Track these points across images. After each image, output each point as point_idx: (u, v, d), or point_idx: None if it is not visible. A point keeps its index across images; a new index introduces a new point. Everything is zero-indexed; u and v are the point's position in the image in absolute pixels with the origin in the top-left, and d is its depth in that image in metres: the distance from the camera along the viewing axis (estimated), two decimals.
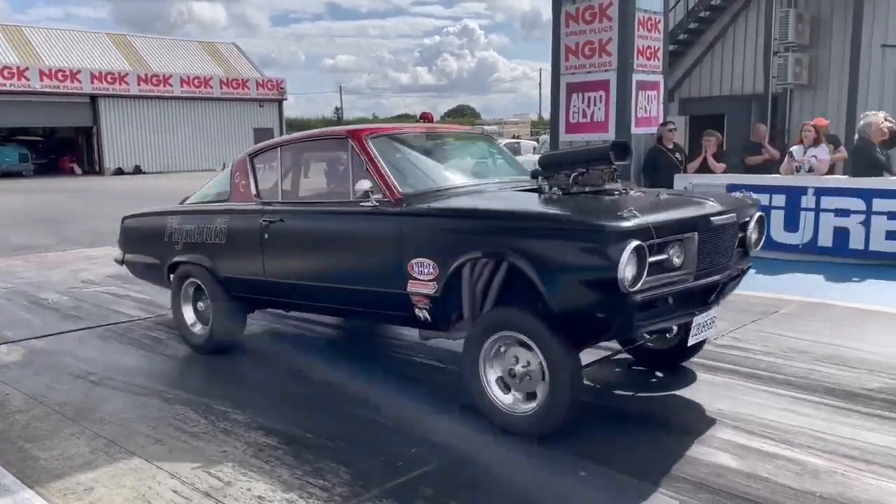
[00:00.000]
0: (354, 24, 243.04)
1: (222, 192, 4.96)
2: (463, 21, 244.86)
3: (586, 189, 3.72)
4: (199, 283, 4.87)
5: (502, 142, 21.23)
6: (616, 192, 3.69)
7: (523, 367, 3.33)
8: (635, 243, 2.94)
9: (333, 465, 3.10)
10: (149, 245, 5.29)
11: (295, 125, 46.80)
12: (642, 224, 3.02)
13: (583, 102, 9.22)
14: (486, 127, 44.15)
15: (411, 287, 3.70)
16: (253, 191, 4.68)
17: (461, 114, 75.03)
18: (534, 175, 4.03)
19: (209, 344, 4.85)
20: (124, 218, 5.64)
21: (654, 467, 3.05)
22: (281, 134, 37.01)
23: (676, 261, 3.20)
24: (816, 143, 8.34)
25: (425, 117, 4.95)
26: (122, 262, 5.69)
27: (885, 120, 7.54)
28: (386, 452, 3.22)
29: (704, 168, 8.78)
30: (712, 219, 3.36)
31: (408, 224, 3.71)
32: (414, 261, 3.67)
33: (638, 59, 8.88)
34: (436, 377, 4.36)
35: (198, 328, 4.99)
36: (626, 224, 3.00)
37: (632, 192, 3.78)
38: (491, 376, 3.44)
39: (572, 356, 3.21)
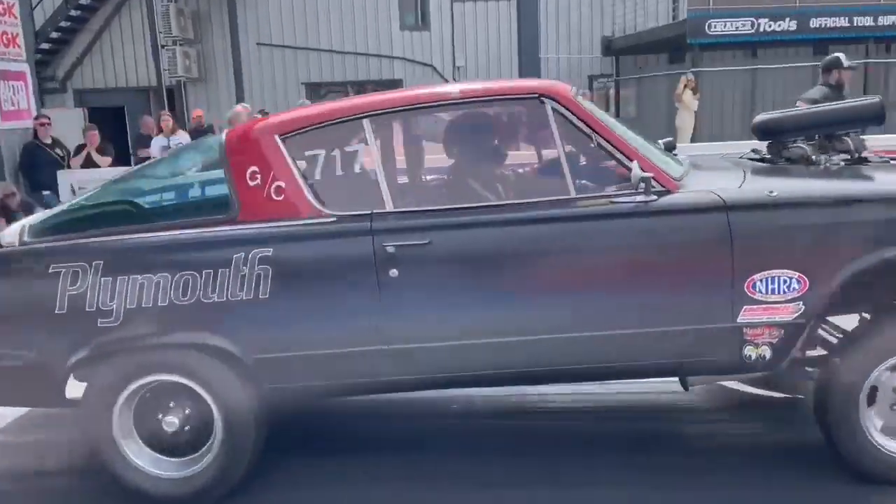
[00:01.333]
0: None
1: (191, 204, 3.00)
2: None
3: (855, 157, 3.08)
4: (185, 382, 2.65)
5: None
6: (888, 159, 3.14)
7: None
8: None
9: None
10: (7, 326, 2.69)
11: None
12: None
13: None
14: None
15: (748, 315, 2.58)
16: (308, 196, 2.66)
17: None
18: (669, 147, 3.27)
19: (211, 492, 2.69)
20: None
21: None
22: None
23: None
24: (175, 130, 9.17)
25: None
26: None
27: (244, 110, 8.52)
28: None
29: (90, 163, 8.59)
30: None
31: (748, 222, 2.54)
32: (759, 276, 2.54)
33: None
34: None
35: (163, 467, 2.70)
36: None
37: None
38: (872, 421, 2.62)
39: None
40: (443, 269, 2.57)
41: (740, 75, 13.41)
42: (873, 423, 2.61)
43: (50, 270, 2.59)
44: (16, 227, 2.93)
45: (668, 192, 2.58)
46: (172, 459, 2.71)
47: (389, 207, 2.64)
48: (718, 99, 13.32)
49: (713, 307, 2.57)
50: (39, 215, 3.16)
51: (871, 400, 2.59)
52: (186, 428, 2.69)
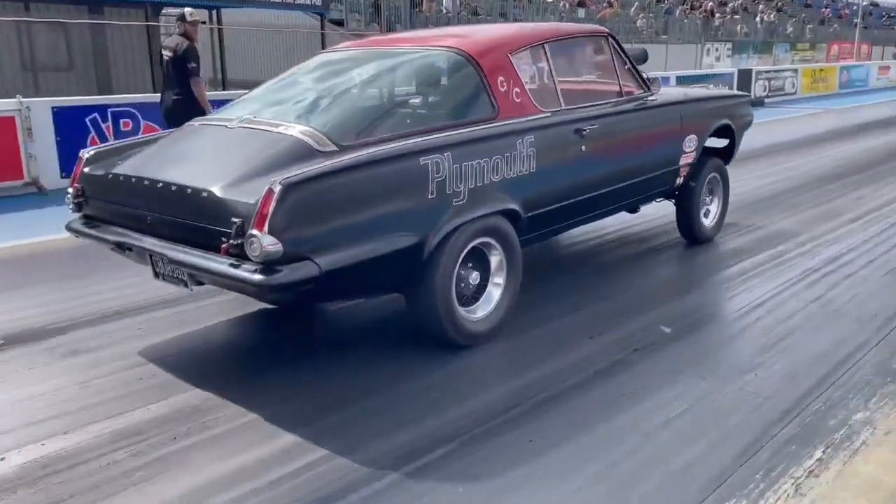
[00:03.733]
0: None
1: (456, 106, 3.70)
2: None
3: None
4: (492, 243, 3.53)
5: None
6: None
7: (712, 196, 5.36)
8: None
9: None
10: (391, 216, 3.07)
11: None
12: None
13: None
14: None
15: (682, 160, 4.85)
16: (532, 99, 3.79)
17: None
18: None
19: (489, 332, 3.55)
20: (291, 185, 2.72)
21: None
22: None
23: None
24: None
25: None
26: (304, 284, 2.78)
27: None
28: None
29: None
30: None
31: (684, 110, 4.85)
32: (686, 138, 4.83)
33: None
34: None
35: (473, 314, 3.53)
36: None
37: None
38: (704, 206, 5.24)
39: None
40: (600, 143, 4.08)
41: None
42: (704, 205, 5.32)
43: (421, 162, 3.13)
44: (295, 132, 3.15)
45: (649, 94, 4.65)
46: (473, 306, 3.52)
47: (564, 106, 3.96)
48: None
49: (673, 156, 4.80)
50: (326, 116, 3.47)
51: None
52: (479, 279, 3.53)
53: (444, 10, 18.87)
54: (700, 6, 27.87)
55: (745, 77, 18.08)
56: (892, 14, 45.83)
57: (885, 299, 4.12)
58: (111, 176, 3.41)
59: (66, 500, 2.34)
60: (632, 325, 3.78)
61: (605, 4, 23.69)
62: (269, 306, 3.92)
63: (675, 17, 26.18)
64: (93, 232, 3.46)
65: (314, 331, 3.92)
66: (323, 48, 13.60)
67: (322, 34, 14.96)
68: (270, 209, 2.65)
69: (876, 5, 44.78)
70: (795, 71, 20.42)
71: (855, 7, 33.67)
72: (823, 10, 37.39)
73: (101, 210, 3.49)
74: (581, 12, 22.24)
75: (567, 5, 22.27)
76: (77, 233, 3.55)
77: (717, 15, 27.96)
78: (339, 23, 16.81)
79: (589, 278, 4.69)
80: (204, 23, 7.69)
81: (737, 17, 29.09)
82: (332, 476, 2.45)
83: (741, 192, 6.61)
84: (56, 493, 2.39)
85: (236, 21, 15.03)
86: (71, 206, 3.55)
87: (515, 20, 19.91)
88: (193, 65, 6.35)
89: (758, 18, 29.75)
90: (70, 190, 3.54)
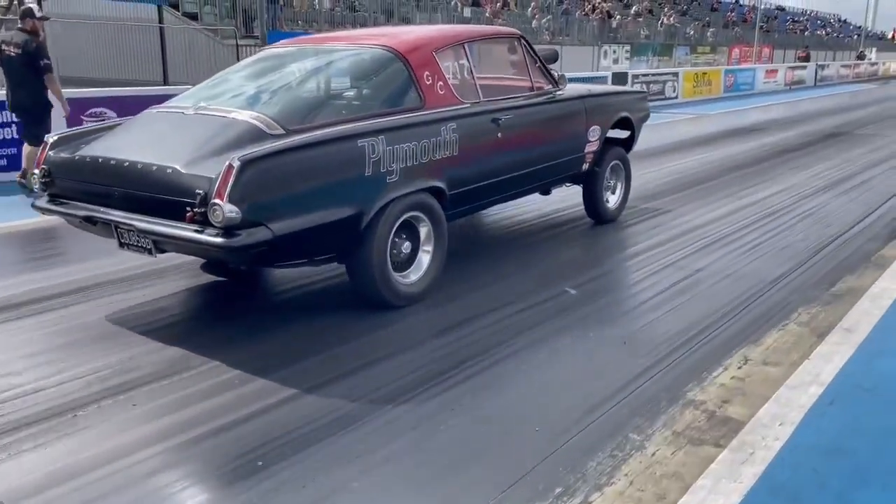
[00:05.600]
0: None
1: (388, 97, 4.25)
2: None
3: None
4: (421, 216, 4.16)
5: None
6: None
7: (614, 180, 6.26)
8: None
9: None
10: (333, 190, 3.68)
11: None
12: None
13: None
14: None
15: (587, 148, 5.55)
16: (454, 91, 4.45)
17: None
18: None
19: (420, 294, 4.19)
20: (247, 161, 3.30)
21: None
22: None
23: None
24: None
25: None
26: (259, 246, 3.36)
27: None
28: None
29: None
30: None
31: (588, 103, 5.55)
32: (591, 128, 5.51)
33: None
34: None
35: (406, 279, 4.16)
36: None
37: None
38: (608, 190, 6.13)
39: None
40: (514, 131, 4.79)
41: None
42: (608, 189, 6.17)
43: (359, 144, 3.74)
44: (247, 117, 3.68)
45: (557, 89, 5.43)
46: (406, 271, 4.16)
47: (482, 98, 4.68)
48: None
49: (579, 144, 5.59)
50: (273, 105, 4.00)
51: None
52: (411, 248, 4.17)
53: (317, 7, 18.33)
54: (596, 8, 28.61)
55: (619, 81, 17.32)
56: (796, 19, 47.90)
57: (602, 382, 3.25)
58: (78, 157, 3.91)
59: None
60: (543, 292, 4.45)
61: (499, 4, 23.57)
62: (220, 279, 4.52)
63: (573, 17, 27.03)
64: (60, 209, 3.95)
65: (264, 300, 4.46)
66: (162, 41, 13.39)
67: (160, 28, 13.61)
68: (230, 182, 3.19)
69: (782, 9, 46.56)
70: (676, 74, 20.33)
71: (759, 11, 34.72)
72: (729, 13, 38.73)
73: (67, 189, 3.96)
74: (467, 11, 22.07)
75: (458, 5, 22.09)
76: (44, 210, 4.05)
77: (618, 16, 28.72)
78: (193, 17, 16.43)
79: (505, 256, 5.35)
80: (48, 18, 7.67)
81: (640, 19, 30.11)
82: (296, 414, 2.96)
83: (531, 215, 6.32)
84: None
85: (66, 12, 13.64)
86: (37, 187, 4.02)
87: (403, 19, 20.08)
88: (47, 61, 6.69)
89: (660, 21, 30.30)
90: (36, 171, 4.03)
